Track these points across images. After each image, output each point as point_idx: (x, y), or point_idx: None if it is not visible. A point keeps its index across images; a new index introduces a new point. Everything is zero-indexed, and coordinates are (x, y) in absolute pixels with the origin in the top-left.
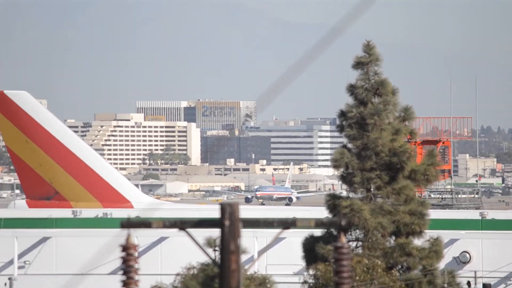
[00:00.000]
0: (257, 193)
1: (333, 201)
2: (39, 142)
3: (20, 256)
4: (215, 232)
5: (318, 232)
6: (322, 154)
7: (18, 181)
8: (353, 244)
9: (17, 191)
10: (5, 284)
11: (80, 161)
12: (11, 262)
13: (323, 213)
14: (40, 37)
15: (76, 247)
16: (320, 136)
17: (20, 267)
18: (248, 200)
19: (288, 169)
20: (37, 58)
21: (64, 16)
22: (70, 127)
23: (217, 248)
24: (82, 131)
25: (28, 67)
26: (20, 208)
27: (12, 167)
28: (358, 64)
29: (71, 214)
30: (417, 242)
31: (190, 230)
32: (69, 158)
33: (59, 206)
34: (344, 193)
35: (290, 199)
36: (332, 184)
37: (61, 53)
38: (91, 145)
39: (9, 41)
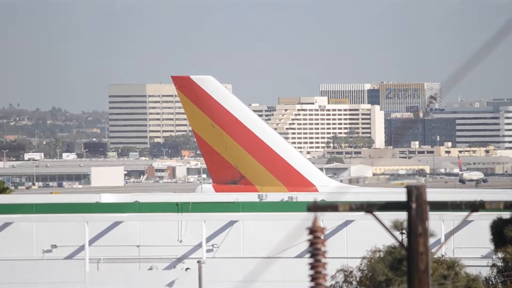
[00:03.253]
0: None
1: None
2: (225, 127)
3: (208, 239)
4: (402, 215)
5: (506, 215)
6: (509, 136)
7: (204, 166)
8: None
9: (204, 176)
10: (186, 269)
11: (265, 145)
12: (199, 246)
13: (511, 195)
14: (223, 21)
15: (262, 231)
16: (507, 117)
17: (208, 251)
18: None
19: (474, 151)
20: (222, 43)
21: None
22: (254, 111)
23: (404, 231)
24: (266, 115)
25: (213, 52)
26: (207, 192)
27: (198, 152)
28: None
29: (257, 198)
30: None
31: (377, 213)
32: (254, 142)
33: (245, 190)
34: None
35: None
36: None
37: (244, 38)
38: (275, 129)
39: (195, 25)
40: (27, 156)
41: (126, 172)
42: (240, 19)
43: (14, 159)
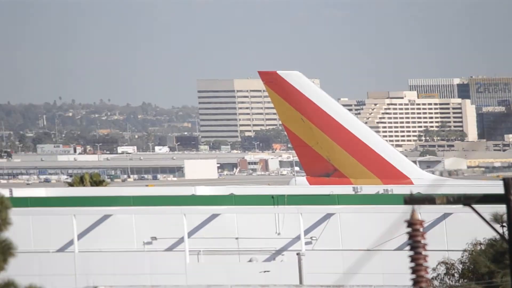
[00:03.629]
0: None
1: None
2: (315, 120)
3: (305, 232)
4: (501, 208)
5: None
6: None
7: (297, 159)
8: None
9: (297, 168)
10: (264, 272)
11: (357, 139)
12: (297, 238)
13: None
14: (308, 18)
15: (359, 224)
16: None
17: (306, 243)
18: None
19: None
20: (307, 38)
21: None
22: (343, 105)
23: (504, 224)
24: (355, 109)
25: (300, 47)
26: (301, 184)
27: (290, 145)
28: None
29: (352, 190)
30: None
31: (475, 205)
32: (345, 136)
33: (339, 182)
34: None
35: None
36: None
37: (332, 33)
38: (365, 123)
39: (281, 23)
40: (120, 149)
41: (219, 165)
42: (327, 16)
43: (108, 152)
